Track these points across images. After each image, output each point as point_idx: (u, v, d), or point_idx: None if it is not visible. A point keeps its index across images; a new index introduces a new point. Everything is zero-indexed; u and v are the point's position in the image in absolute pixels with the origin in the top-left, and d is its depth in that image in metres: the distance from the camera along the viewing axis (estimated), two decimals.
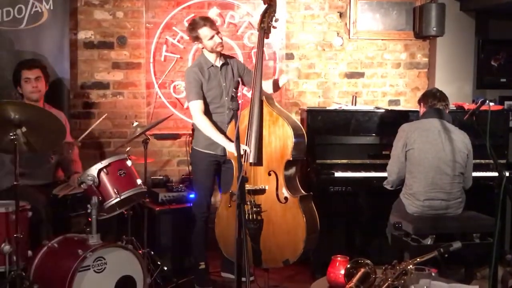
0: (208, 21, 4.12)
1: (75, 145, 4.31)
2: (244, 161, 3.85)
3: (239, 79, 3.55)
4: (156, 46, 5.17)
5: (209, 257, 4.42)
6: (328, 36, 5.51)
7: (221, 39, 4.17)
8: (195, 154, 4.32)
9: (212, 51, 4.16)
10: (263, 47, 4.08)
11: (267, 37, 4.11)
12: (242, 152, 3.79)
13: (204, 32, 4.09)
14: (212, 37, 4.10)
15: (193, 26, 4.13)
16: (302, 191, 3.99)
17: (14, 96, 4.23)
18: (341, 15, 5.51)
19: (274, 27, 4.10)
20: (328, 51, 5.52)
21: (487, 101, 3.23)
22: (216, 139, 4.03)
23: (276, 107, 4.07)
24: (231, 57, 4.41)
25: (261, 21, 4.07)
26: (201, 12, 5.19)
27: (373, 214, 4.68)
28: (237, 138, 3.19)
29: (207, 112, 4.15)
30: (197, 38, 4.15)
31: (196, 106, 4.10)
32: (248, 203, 3.80)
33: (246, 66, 4.47)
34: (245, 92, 5.19)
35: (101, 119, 4.35)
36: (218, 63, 4.22)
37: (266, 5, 4.09)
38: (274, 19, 4.07)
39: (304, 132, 4.05)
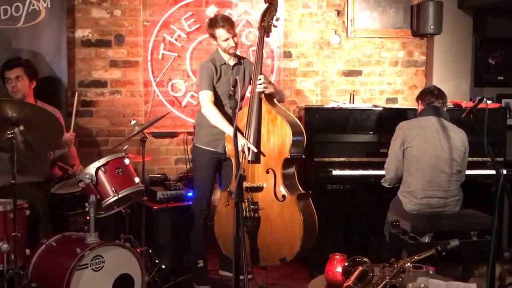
0: (227, 23, 4.12)
1: (72, 140, 4.31)
2: (242, 159, 3.85)
3: (237, 78, 3.55)
4: (153, 44, 5.17)
5: (207, 255, 4.42)
6: (326, 34, 5.51)
7: (236, 43, 4.18)
8: (195, 151, 4.34)
9: (224, 51, 4.18)
10: (263, 45, 4.09)
11: (268, 36, 4.12)
12: (241, 147, 3.80)
13: (220, 32, 4.11)
14: (226, 39, 4.12)
15: (211, 24, 4.17)
16: (301, 189, 3.99)
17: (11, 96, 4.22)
18: (338, 13, 5.51)
19: (275, 26, 4.12)
20: (326, 49, 5.52)
21: (485, 99, 3.23)
22: (223, 128, 4.03)
23: (275, 105, 4.07)
24: (245, 58, 4.42)
25: (262, 20, 4.08)
26: (199, 11, 5.20)
27: (371, 212, 4.69)
28: (235, 136, 3.19)
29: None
30: (213, 36, 4.19)
31: (206, 96, 4.12)
32: (246, 200, 3.81)
33: None
34: None
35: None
36: (231, 62, 4.24)
37: (268, 4, 4.10)
38: (275, 18, 4.08)
39: (303, 130, 4.05)
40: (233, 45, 4.16)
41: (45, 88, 4.44)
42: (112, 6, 5.11)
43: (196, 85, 4.49)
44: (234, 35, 4.17)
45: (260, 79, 3.97)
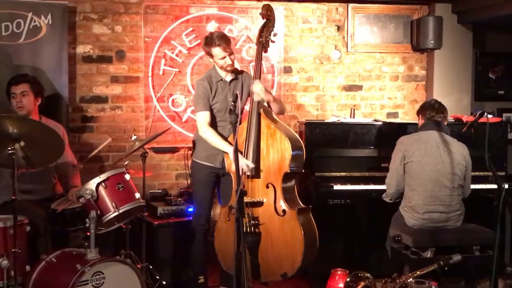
0: (223, 41, 4.09)
1: (79, 167, 4.31)
2: (242, 174, 3.85)
3: (237, 93, 3.57)
4: (154, 60, 5.19)
5: (208, 271, 4.39)
6: (326, 49, 5.53)
7: (233, 60, 4.16)
8: (194, 166, 4.33)
9: (221, 68, 4.18)
10: (261, 61, 4.11)
11: (265, 51, 4.14)
12: (243, 168, 3.80)
13: (216, 51, 4.09)
14: (223, 58, 4.10)
15: (207, 42, 4.14)
16: (301, 203, 3.98)
17: (12, 111, 4.22)
18: (338, 28, 5.53)
19: (273, 41, 4.14)
20: (326, 64, 5.54)
21: (485, 113, 3.23)
22: (222, 148, 4.03)
23: (274, 119, 4.07)
24: (243, 72, 4.41)
25: (260, 35, 4.10)
26: (200, 27, 5.23)
27: (373, 227, 4.67)
28: (236, 150, 3.19)
29: (211, 124, 4.16)
30: (209, 54, 4.17)
31: (202, 117, 4.12)
32: (246, 215, 3.79)
33: None
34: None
35: (106, 142, 4.31)
36: (228, 78, 4.24)
37: (265, 20, 4.12)
38: (272, 33, 4.11)
39: (303, 145, 4.04)
40: (230, 62, 4.14)
41: (46, 103, 4.44)
42: (113, 22, 5.14)
43: (192, 103, 4.50)
44: (231, 53, 4.15)
45: (256, 84, 3.98)
